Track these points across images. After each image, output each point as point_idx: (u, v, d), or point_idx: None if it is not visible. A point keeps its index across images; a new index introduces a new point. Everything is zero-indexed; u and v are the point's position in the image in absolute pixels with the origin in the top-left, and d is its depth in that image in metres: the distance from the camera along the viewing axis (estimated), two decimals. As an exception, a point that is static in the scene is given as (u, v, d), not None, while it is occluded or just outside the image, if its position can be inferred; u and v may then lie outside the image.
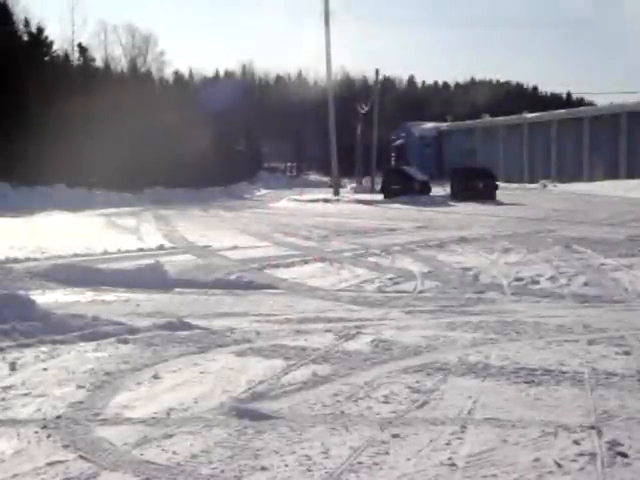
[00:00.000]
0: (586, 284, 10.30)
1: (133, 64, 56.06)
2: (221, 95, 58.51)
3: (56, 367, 5.97)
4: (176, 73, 66.49)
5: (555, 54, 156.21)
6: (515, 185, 52.37)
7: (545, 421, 4.62)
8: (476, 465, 3.96)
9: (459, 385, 5.41)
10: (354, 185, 54.81)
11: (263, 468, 3.95)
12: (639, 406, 4.90)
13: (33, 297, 8.45)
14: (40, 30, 47.77)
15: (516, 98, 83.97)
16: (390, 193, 38.87)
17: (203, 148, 54.44)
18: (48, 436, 4.43)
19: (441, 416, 4.73)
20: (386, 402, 5.03)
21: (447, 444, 4.26)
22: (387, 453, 4.14)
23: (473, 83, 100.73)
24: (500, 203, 34.15)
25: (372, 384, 5.44)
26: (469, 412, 4.81)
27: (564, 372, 5.72)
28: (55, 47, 49.37)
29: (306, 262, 12.99)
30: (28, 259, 12.81)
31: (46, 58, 47.82)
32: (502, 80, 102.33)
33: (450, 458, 4.05)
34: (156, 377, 5.67)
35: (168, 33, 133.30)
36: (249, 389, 5.32)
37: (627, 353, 6.31)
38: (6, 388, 5.39)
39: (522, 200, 35.84)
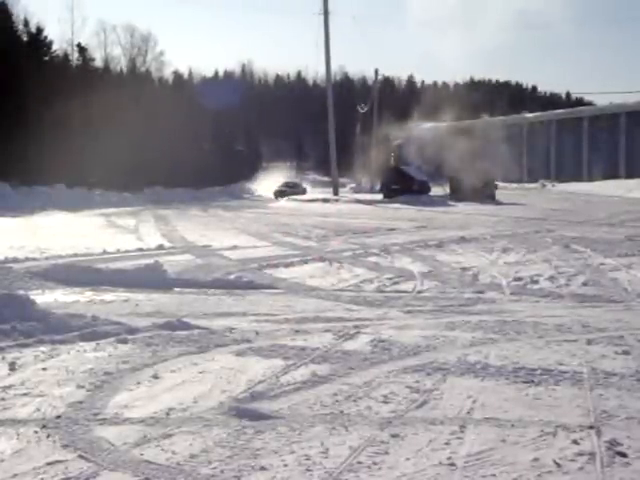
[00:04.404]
0: (585, 284, 10.31)
1: (132, 64, 56.07)
2: (220, 95, 58.50)
3: (55, 367, 5.96)
4: (175, 73, 66.48)
5: (555, 54, 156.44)
6: (514, 185, 52.42)
7: (544, 421, 4.63)
8: (475, 465, 3.96)
9: (458, 385, 5.41)
10: (353, 185, 54.86)
11: (262, 468, 3.95)
12: (638, 406, 4.90)
13: (32, 297, 8.45)
14: (39, 30, 47.80)
15: (515, 98, 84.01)
16: (389, 193, 38.91)
17: (202, 148, 54.46)
18: (47, 436, 4.43)
19: (440, 416, 4.73)
20: (385, 402, 5.03)
21: (446, 444, 4.26)
22: (386, 453, 4.14)
23: (473, 83, 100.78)
24: (499, 203, 34.17)
25: (371, 384, 5.44)
26: (468, 412, 4.81)
27: (563, 372, 5.73)
28: (54, 47, 49.45)
29: (305, 262, 12.99)
30: (28, 259, 12.81)
31: (45, 58, 47.83)
32: (502, 80, 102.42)
33: (449, 458, 4.05)
34: (155, 377, 5.67)
35: (168, 33, 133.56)
36: (248, 389, 5.32)
37: (626, 353, 6.31)
38: (5, 388, 5.39)
39: (521, 200, 35.86)
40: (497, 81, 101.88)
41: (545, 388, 5.34)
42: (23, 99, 39.89)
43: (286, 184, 54.95)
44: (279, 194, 50.82)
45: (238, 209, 33.79)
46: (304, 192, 52.84)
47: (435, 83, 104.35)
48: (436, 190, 39.93)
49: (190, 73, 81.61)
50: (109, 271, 11.09)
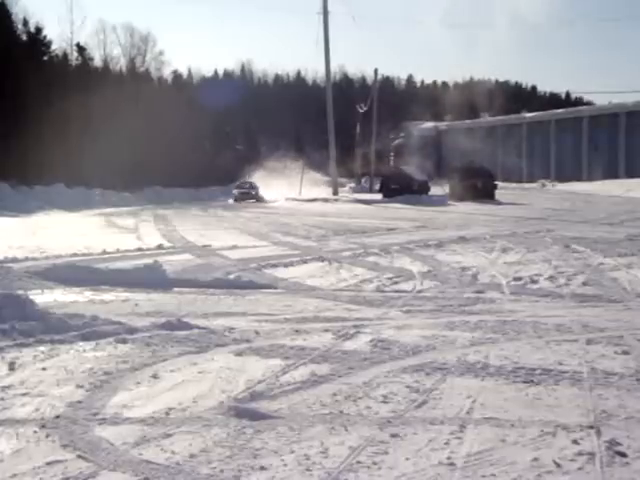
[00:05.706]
0: (585, 284, 10.30)
1: (132, 64, 56.09)
2: (220, 94, 58.45)
3: (55, 367, 5.96)
4: (175, 72, 66.51)
5: (554, 54, 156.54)
6: (514, 185, 52.46)
7: (544, 421, 4.62)
8: (475, 465, 3.96)
9: (458, 385, 5.41)
10: (353, 184, 54.84)
11: (262, 468, 3.94)
12: (638, 406, 4.90)
13: (32, 297, 8.44)
14: (39, 30, 47.80)
15: (515, 98, 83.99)
16: (389, 193, 38.91)
17: (202, 148, 54.46)
18: (47, 436, 4.43)
19: (440, 416, 4.73)
20: (385, 402, 5.03)
21: (446, 444, 4.25)
22: (386, 453, 4.14)
23: (472, 83, 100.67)
24: (499, 203, 34.19)
25: (371, 384, 5.44)
26: (468, 412, 4.81)
27: (563, 372, 5.72)
28: (54, 47, 49.48)
29: (305, 262, 12.99)
30: (27, 259, 12.80)
31: (45, 58, 47.83)
32: (501, 80, 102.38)
33: (449, 458, 4.04)
34: (155, 377, 5.67)
35: (167, 32, 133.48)
36: (248, 389, 5.31)
37: (626, 353, 6.31)
38: (5, 388, 5.38)
39: (521, 200, 35.87)
40: (497, 81, 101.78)
41: (545, 388, 5.33)
42: (22, 99, 39.90)
43: (241, 185, 46.36)
44: (241, 197, 43.05)
45: (238, 209, 33.80)
46: (257, 196, 43.85)
47: (435, 83, 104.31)
48: (436, 190, 39.92)
49: (190, 73, 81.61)
50: (109, 271, 11.08)
